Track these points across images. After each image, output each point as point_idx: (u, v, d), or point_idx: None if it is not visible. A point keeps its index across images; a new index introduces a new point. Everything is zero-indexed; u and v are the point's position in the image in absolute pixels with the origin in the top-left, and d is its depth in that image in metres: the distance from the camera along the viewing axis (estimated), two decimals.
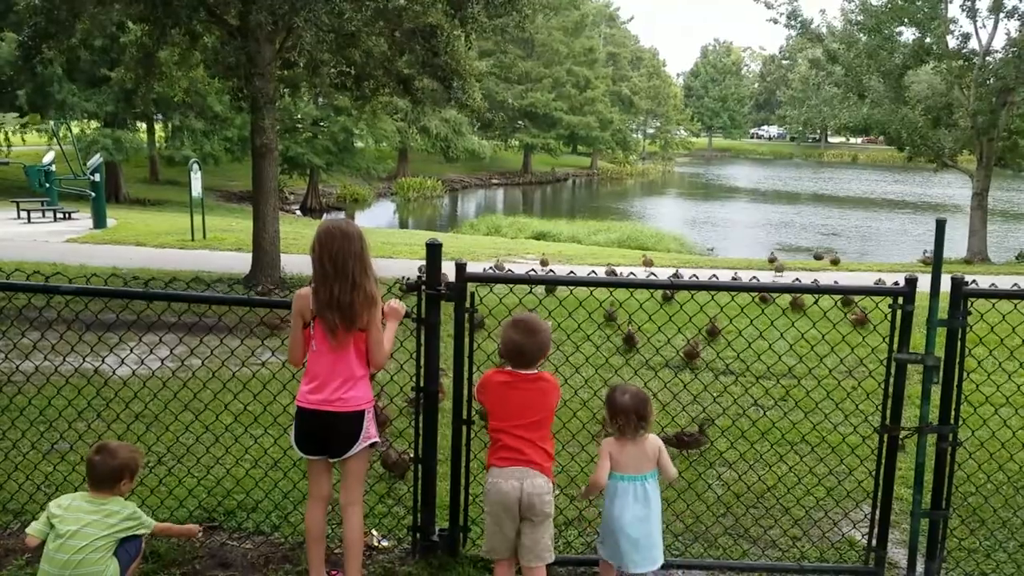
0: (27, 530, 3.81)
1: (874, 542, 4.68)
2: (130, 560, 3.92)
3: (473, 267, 4.46)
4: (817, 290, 4.70)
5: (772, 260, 18.15)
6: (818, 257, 23.12)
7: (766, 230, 38.95)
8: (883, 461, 4.57)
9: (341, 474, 4.23)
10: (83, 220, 22.66)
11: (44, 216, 23.03)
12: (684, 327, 8.28)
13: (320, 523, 4.28)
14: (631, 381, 4.36)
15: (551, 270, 13.75)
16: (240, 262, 15.57)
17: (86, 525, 3.73)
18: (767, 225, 41.09)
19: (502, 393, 4.00)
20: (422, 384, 4.51)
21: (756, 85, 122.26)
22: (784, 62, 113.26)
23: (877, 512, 4.64)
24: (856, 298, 11.27)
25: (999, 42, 26.62)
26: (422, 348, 4.46)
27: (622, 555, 4.01)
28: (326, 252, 3.94)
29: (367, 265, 4.00)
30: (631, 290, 6.74)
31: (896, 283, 4.46)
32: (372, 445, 4.19)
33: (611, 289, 5.04)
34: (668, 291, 11.39)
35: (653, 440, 4.11)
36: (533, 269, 4.74)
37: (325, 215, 39.51)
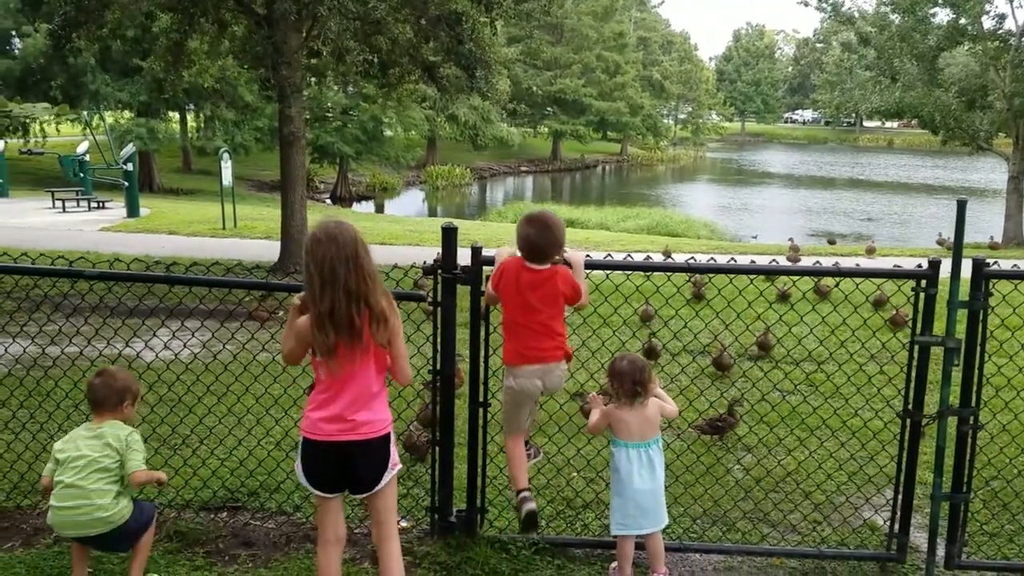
0: (43, 473, 3.96)
1: (896, 527, 4.64)
2: (140, 521, 3.98)
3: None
4: (838, 273, 4.64)
5: (793, 248, 18.01)
6: (831, 242, 22.85)
7: (803, 216, 38.37)
8: (905, 446, 4.52)
9: (371, 509, 3.75)
10: (117, 209, 22.98)
11: (79, 205, 23.38)
12: (703, 314, 8.23)
13: (337, 574, 3.73)
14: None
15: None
16: (270, 250, 15.74)
17: (84, 448, 3.86)
18: (804, 211, 40.48)
19: (518, 288, 4.12)
20: (438, 367, 4.55)
21: (790, 69, 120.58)
22: (819, 45, 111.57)
23: (899, 498, 4.60)
24: (879, 286, 11.15)
25: None
26: (438, 331, 4.49)
27: (631, 518, 4.22)
28: (313, 261, 3.37)
29: (366, 272, 3.40)
30: (649, 278, 6.68)
31: (919, 266, 4.40)
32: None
33: (627, 273, 5.04)
34: (698, 289, 11.23)
35: (653, 403, 4.25)
36: None
37: (355, 204, 39.69)
